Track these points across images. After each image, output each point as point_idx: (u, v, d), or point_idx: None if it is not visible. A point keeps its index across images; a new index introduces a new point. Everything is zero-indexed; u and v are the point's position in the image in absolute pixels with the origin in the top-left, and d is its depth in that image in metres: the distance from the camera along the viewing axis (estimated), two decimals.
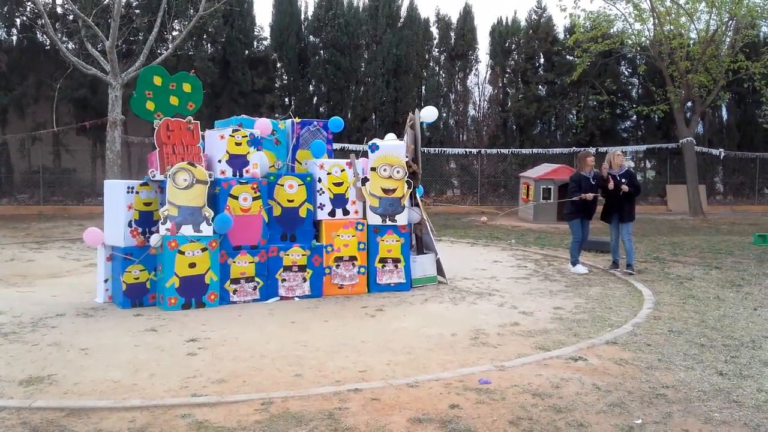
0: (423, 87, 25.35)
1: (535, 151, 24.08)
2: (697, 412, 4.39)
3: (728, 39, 21.21)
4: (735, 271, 10.12)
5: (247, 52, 23.11)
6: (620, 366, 5.34)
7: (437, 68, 26.00)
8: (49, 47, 21.55)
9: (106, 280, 7.70)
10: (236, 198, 7.72)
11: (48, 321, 6.70)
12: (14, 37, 22.37)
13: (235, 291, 7.66)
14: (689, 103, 22.19)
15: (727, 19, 20.35)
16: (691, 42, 21.19)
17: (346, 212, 8.48)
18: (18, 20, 22.25)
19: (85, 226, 10.96)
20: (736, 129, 26.34)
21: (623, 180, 9.60)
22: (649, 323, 6.78)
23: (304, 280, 8.05)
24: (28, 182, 21.88)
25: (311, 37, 24.30)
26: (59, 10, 22.18)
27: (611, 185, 9.58)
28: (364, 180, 8.46)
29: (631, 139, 26.83)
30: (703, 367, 5.31)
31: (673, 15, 20.49)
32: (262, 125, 8.45)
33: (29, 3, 21.25)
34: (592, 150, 21.65)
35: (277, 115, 21.84)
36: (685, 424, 4.20)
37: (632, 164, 26.79)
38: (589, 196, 9.62)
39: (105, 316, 7.00)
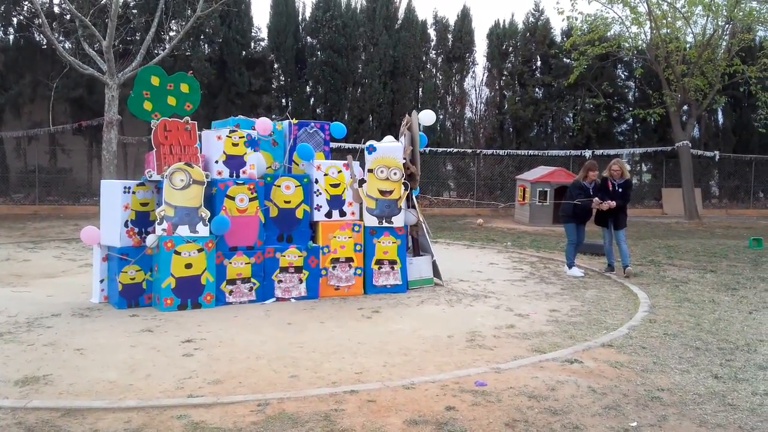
0: (420, 89, 25.40)
1: (531, 153, 24.10)
2: (692, 415, 4.40)
3: (724, 43, 21.30)
4: (730, 274, 10.16)
5: (244, 52, 23.13)
6: (616, 369, 5.35)
7: (434, 70, 26.01)
8: (45, 47, 21.52)
9: (102, 281, 7.68)
10: (233, 199, 7.71)
11: (43, 321, 6.69)
12: (11, 37, 22.33)
13: (231, 292, 7.66)
14: (685, 107, 22.27)
15: (723, 23, 20.43)
16: (688, 46, 21.27)
17: (342, 214, 8.49)
18: (15, 19, 22.22)
19: (80, 226, 10.95)
20: (731, 133, 26.45)
21: (620, 190, 9.77)
22: (644, 326, 6.79)
23: (301, 281, 8.05)
24: (24, 182, 21.84)
25: (308, 39, 24.29)
26: (56, 9, 22.15)
27: (605, 206, 9.64)
28: (361, 181, 8.46)
29: (627, 142, 26.92)
30: (698, 371, 5.32)
31: (670, 18, 20.56)
32: (263, 125, 8.45)
33: (26, 2, 21.22)
34: (588, 153, 21.89)
35: (274, 116, 21.82)
36: (680, 427, 4.21)
37: (628, 167, 26.86)
38: (592, 204, 9.68)
39: (101, 317, 6.98)
